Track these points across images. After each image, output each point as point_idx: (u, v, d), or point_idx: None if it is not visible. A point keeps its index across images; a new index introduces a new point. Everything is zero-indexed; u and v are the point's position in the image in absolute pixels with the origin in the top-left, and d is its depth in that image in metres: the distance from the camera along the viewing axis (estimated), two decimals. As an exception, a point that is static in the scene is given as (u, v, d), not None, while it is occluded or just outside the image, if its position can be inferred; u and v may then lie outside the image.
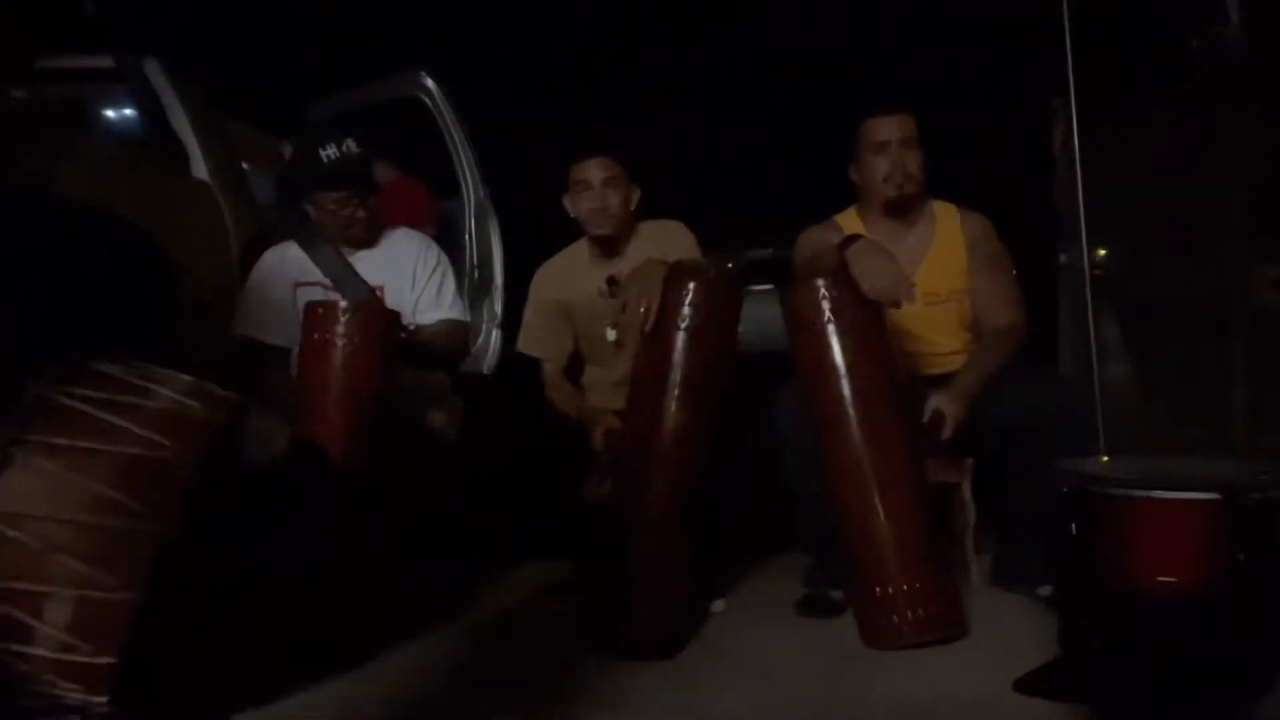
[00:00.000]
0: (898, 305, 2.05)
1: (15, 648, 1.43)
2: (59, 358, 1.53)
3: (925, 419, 2.13)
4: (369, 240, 2.50)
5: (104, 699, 1.46)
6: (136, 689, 1.49)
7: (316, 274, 2.45)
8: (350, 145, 2.36)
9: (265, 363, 2.43)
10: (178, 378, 1.59)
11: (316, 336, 2.08)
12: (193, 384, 1.59)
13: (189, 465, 1.54)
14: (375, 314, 2.17)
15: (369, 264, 2.48)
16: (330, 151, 2.35)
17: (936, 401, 2.15)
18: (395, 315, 2.24)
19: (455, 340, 2.55)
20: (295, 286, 2.45)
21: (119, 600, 1.46)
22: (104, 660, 1.45)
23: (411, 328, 2.38)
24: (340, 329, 2.05)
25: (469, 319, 2.58)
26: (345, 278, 2.45)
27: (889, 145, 2.31)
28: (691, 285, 2.04)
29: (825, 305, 2.04)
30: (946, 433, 2.12)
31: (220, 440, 1.60)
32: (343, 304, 2.11)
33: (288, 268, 2.48)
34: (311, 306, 2.14)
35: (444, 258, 2.56)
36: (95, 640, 1.45)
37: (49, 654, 1.44)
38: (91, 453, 1.49)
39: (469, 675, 1.91)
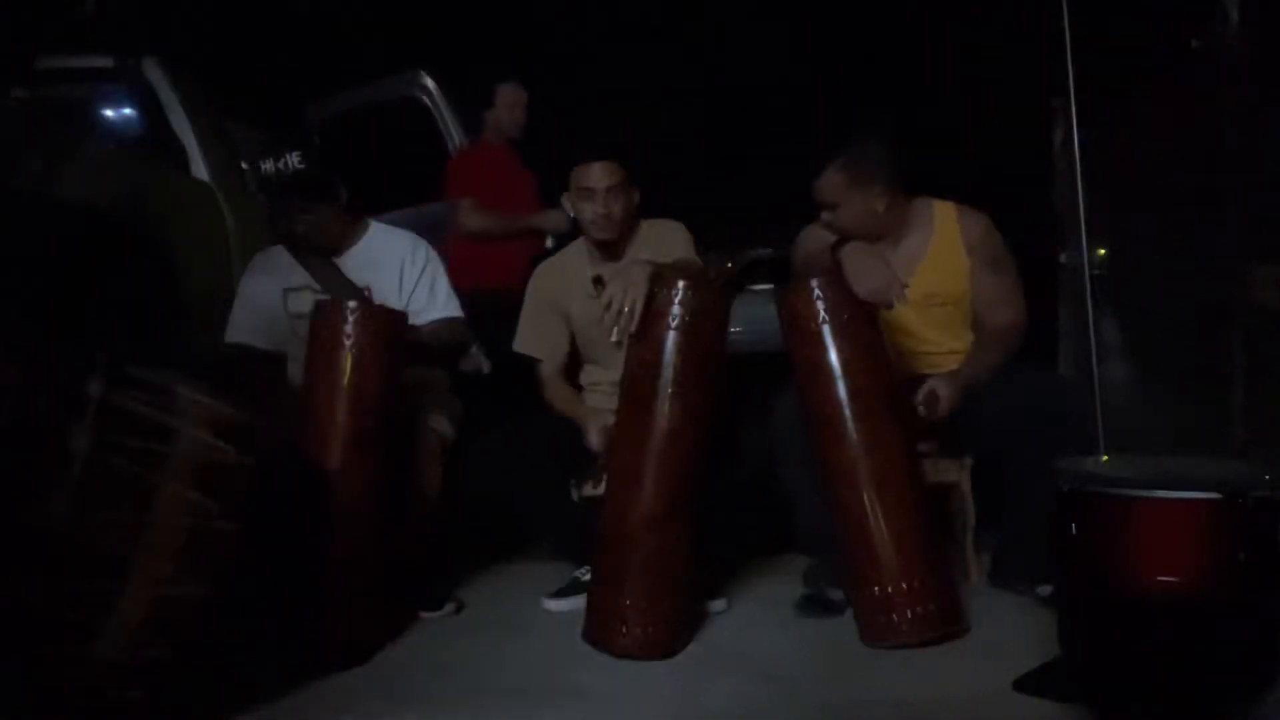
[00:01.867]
0: (889, 306, 2.06)
1: (78, 644, 1.44)
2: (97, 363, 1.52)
3: (919, 398, 2.14)
4: (332, 248, 2.46)
5: (139, 692, 1.48)
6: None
7: (304, 277, 2.44)
8: (291, 159, 2.32)
9: (257, 369, 2.42)
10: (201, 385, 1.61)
11: (324, 338, 2.07)
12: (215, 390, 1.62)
13: (250, 466, 1.59)
14: (383, 315, 2.16)
15: (353, 265, 2.46)
16: (268, 166, 2.32)
17: (932, 383, 2.16)
18: (402, 316, 2.23)
19: (455, 336, 2.54)
20: (283, 291, 2.44)
21: (191, 597, 1.49)
22: (164, 656, 1.48)
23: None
24: (348, 330, 2.05)
25: (464, 314, 2.57)
26: (332, 280, 2.43)
27: (830, 206, 2.28)
28: (680, 284, 2.03)
29: (820, 306, 2.04)
30: (941, 409, 2.13)
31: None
32: (350, 305, 2.10)
33: (275, 272, 2.47)
34: (320, 307, 2.14)
35: (432, 254, 2.54)
36: (162, 637, 1.48)
37: (112, 651, 1.45)
38: (164, 455, 1.51)
39: (469, 675, 1.91)
